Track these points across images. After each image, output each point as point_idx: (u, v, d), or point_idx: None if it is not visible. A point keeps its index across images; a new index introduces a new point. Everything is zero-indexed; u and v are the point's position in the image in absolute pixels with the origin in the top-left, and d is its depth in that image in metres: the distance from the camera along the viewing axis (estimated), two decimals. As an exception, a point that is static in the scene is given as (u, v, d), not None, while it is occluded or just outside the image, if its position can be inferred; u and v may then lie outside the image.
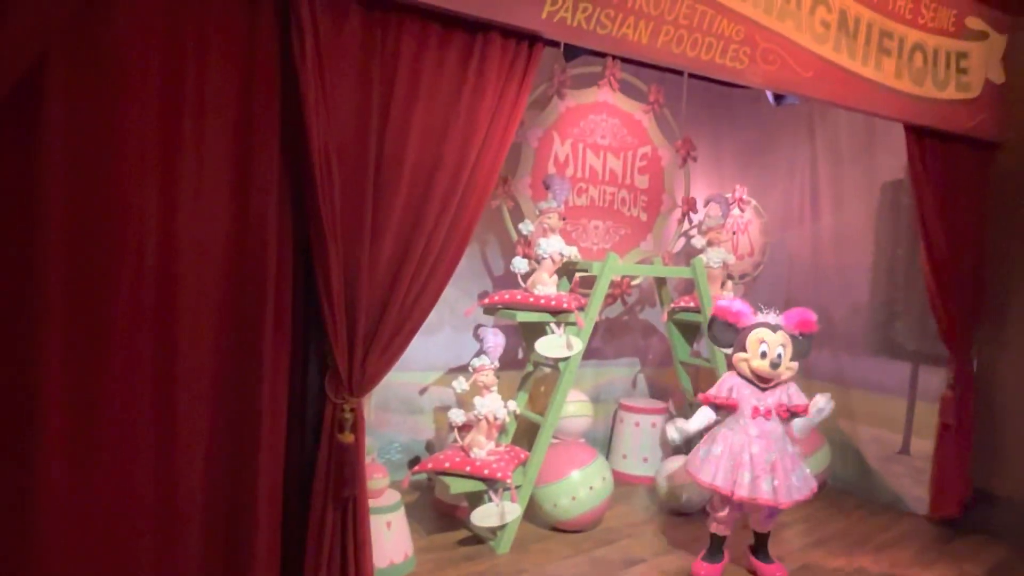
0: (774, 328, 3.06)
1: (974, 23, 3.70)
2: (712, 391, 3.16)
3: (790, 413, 3.06)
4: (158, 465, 2.15)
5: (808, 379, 4.76)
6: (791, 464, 3.02)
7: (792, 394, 3.09)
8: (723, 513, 3.14)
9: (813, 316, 3.13)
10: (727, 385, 3.13)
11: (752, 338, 3.05)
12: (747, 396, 3.06)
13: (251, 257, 2.26)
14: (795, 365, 3.06)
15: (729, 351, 3.18)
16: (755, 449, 2.98)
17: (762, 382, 3.06)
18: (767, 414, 3.02)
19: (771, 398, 3.05)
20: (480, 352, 3.43)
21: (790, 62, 3.14)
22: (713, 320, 3.21)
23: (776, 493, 2.94)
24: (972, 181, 3.88)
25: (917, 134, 3.67)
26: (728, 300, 3.25)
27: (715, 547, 3.23)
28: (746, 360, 3.06)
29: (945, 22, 3.58)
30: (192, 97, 2.13)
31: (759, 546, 3.24)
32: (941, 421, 3.89)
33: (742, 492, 2.94)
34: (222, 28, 2.16)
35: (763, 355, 3.01)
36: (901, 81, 3.47)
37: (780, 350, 3.01)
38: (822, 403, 2.96)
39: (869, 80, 3.38)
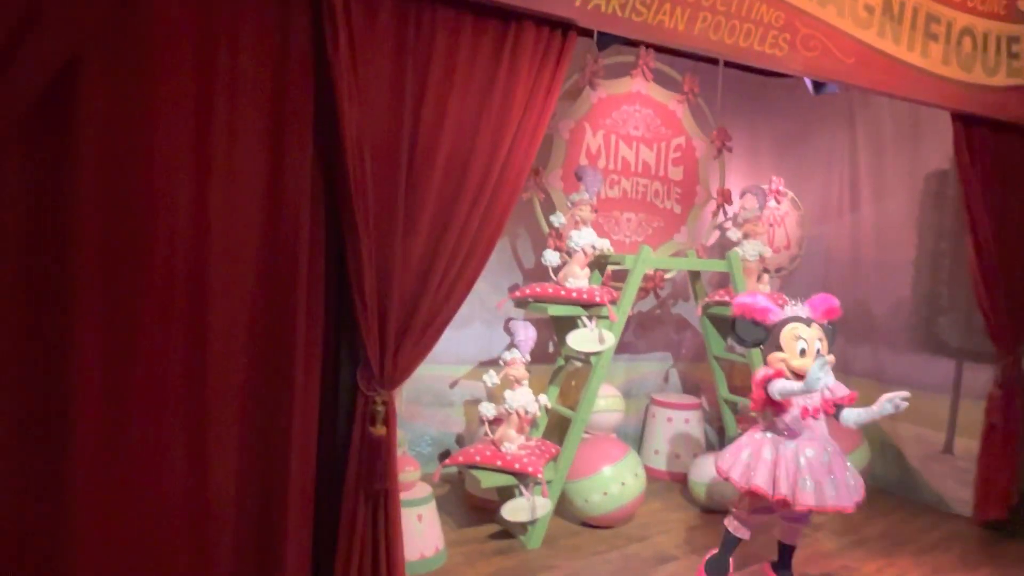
0: (807, 322, 2.87)
1: (1027, 6, 3.55)
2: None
3: (836, 407, 2.87)
4: (190, 458, 2.17)
5: (847, 375, 4.65)
6: (843, 463, 2.83)
7: (833, 387, 2.88)
8: (759, 518, 2.95)
9: (836, 301, 2.96)
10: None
11: (787, 335, 2.83)
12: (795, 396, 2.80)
13: (284, 250, 2.26)
14: (832, 358, 2.84)
15: (746, 348, 2.97)
16: (809, 452, 2.76)
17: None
18: (816, 413, 2.81)
19: (815, 395, 2.83)
20: (511, 345, 3.41)
21: (831, 48, 3.05)
22: (737, 319, 2.92)
23: (839, 497, 2.72)
24: (1023, 172, 3.73)
25: (965, 122, 3.54)
26: (750, 295, 3.01)
27: (725, 554, 3.02)
28: (784, 360, 2.82)
29: (996, 5, 3.44)
30: (225, 92, 2.14)
31: (784, 561, 3.03)
32: (987, 420, 3.77)
33: (807, 500, 2.68)
34: (255, 22, 2.16)
35: (802, 352, 2.80)
36: (949, 67, 3.35)
37: (819, 344, 2.83)
38: (897, 403, 2.66)
39: (915, 67, 3.26)
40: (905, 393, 2.67)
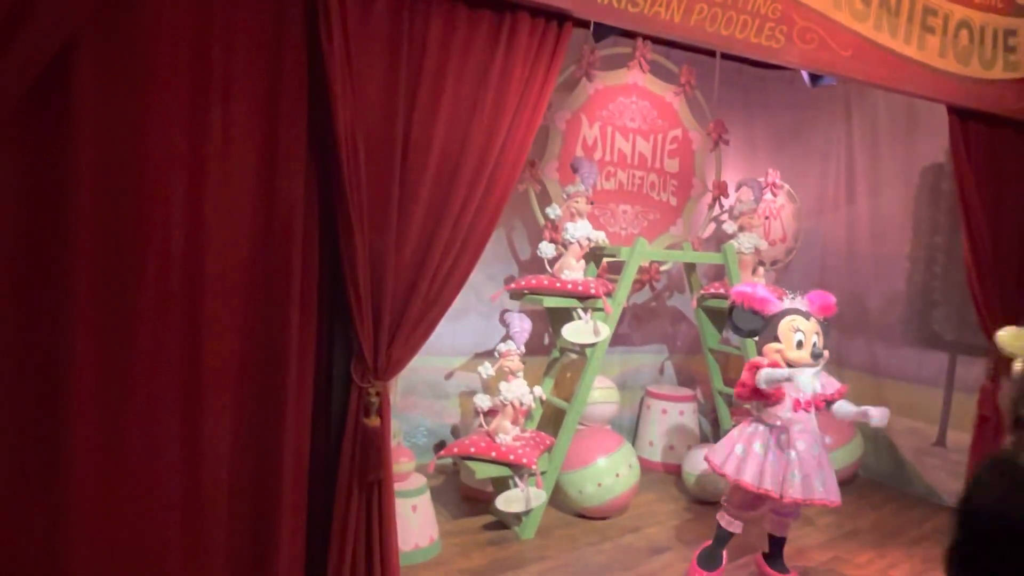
0: (806, 315, 2.87)
1: (1024, -2, 3.55)
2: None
3: (825, 402, 2.88)
4: (185, 449, 2.17)
5: (841, 368, 4.68)
6: (828, 458, 2.86)
7: (825, 382, 2.91)
8: (752, 512, 2.98)
9: (833, 298, 2.97)
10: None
11: (785, 326, 2.84)
12: (786, 388, 2.82)
13: (278, 242, 2.26)
14: (827, 353, 2.87)
15: (741, 340, 2.96)
16: (801, 446, 2.77)
17: None
18: (807, 406, 2.82)
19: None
20: (506, 337, 3.41)
21: (828, 41, 3.04)
22: (734, 307, 2.91)
23: (827, 491, 2.75)
24: (1019, 166, 3.73)
25: (961, 116, 3.53)
26: (750, 285, 3.01)
27: (718, 547, 3.03)
28: (780, 351, 2.83)
29: (993, -3, 3.44)
30: (219, 84, 2.13)
31: (775, 553, 3.07)
32: (980, 413, 3.78)
33: (795, 493, 2.72)
34: (249, 12, 2.15)
35: (799, 344, 2.80)
36: (945, 60, 3.34)
37: (815, 338, 2.83)
38: (878, 417, 2.70)
39: (911, 59, 3.25)
40: (885, 410, 2.72)
